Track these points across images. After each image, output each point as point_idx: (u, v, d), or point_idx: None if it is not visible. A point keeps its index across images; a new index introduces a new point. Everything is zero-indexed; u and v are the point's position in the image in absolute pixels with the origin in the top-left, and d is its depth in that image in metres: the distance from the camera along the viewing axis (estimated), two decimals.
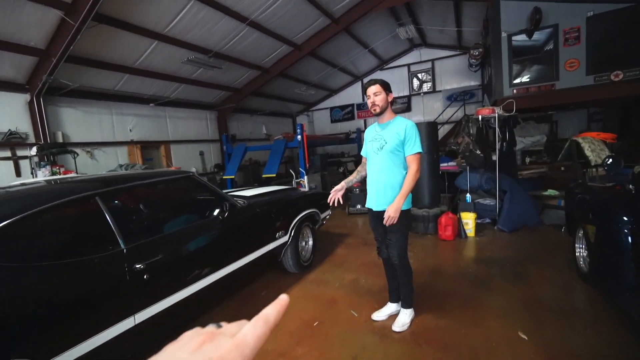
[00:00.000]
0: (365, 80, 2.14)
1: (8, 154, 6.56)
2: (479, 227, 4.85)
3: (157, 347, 0.33)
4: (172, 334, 0.39)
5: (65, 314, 1.51)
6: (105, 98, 7.67)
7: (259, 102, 12.20)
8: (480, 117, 5.34)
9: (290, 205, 3.50)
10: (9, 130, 6.46)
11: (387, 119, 2.28)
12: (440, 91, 12.62)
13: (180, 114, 9.78)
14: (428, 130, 4.98)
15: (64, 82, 6.43)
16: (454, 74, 12.27)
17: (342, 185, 2.42)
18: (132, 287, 1.82)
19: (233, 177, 8.76)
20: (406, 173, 2.24)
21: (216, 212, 2.62)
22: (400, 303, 2.53)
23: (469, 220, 4.62)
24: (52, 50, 5.68)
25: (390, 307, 2.60)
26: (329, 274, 3.65)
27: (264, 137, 12.82)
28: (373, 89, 2.21)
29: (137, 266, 1.84)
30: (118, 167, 7.00)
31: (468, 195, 5.12)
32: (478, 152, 5.18)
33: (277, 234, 3.13)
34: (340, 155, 13.68)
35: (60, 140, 7.01)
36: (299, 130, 8.38)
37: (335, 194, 2.38)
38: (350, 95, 14.44)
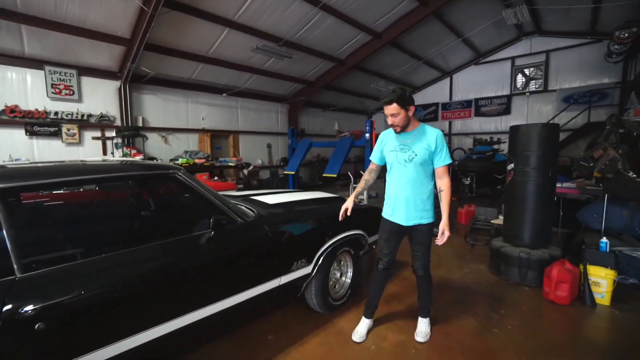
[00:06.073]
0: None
1: (98, 134, 7.26)
2: (619, 292, 2.98)
3: None
4: None
5: None
6: (182, 87, 7.99)
7: (333, 97, 11.61)
8: None
9: (323, 224, 2.58)
10: (101, 113, 7.12)
11: (411, 128, 2.18)
12: (554, 90, 10.17)
13: (251, 105, 9.80)
14: (542, 135, 3.30)
15: (144, 69, 6.78)
16: (578, 68, 9.71)
17: (351, 199, 2.31)
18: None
19: (293, 172, 8.35)
20: (433, 185, 2.23)
21: (200, 227, 1.85)
22: (422, 317, 2.47)
23: (602, 279, 2.91)
24: (134, 39, 5.95)
25: (365, 323, 2.45)
26: None
27: (335, 134, 12.23)
28: (390, 110, 2.06)
29: (27, 309, 1.20)
30: (183, 153, 7.19)
31: (604, 239, 3.27)
32: (631, 174, 3.35)
33: (295, 263, 2.27)
34: None
35: (140, 124, 7.50)
36: (367, 127, 7.50)
37: (344, 212, 2.27)
38: (435, 92, 12.82)
